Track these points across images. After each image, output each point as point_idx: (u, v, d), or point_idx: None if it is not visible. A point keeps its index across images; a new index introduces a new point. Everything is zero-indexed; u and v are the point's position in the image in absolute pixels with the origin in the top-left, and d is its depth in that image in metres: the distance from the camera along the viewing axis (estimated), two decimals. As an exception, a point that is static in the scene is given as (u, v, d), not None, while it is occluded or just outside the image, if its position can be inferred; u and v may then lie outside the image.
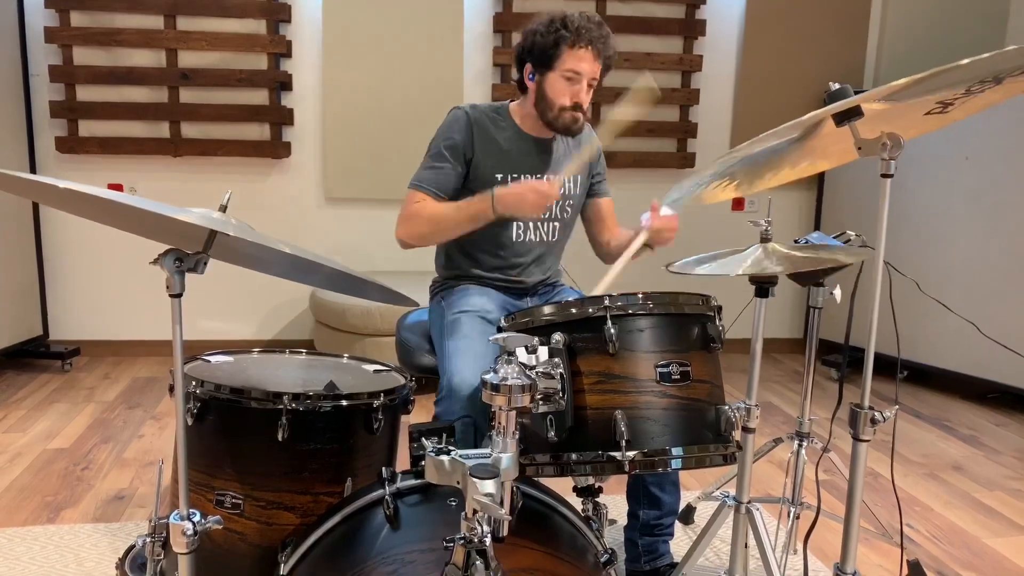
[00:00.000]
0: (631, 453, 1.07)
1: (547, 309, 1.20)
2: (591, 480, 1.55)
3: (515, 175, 1.96)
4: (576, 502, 1.47)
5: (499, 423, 1.04)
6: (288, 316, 4.07)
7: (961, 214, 3.58)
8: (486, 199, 1.84)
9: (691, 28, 4.03)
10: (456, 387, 1.65)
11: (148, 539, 1.29)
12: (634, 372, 1.10)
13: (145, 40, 3.69)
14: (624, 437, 1.06)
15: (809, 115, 1.21)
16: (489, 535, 0.99)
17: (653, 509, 1.93)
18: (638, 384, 1.10)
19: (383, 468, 1.33)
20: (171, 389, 1.58)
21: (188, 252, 1.10)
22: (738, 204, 4.33)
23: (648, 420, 1.09)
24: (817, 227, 4.30)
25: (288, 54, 3.81)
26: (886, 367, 3.78)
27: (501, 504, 0.97)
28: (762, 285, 1.74)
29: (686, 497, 2.28)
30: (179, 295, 1.09)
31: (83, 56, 3.70)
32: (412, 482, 1.32)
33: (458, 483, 1.02)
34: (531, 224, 2.01)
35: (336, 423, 1.50)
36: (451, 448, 1.04)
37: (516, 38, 3.95)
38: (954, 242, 3.60)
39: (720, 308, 1.21)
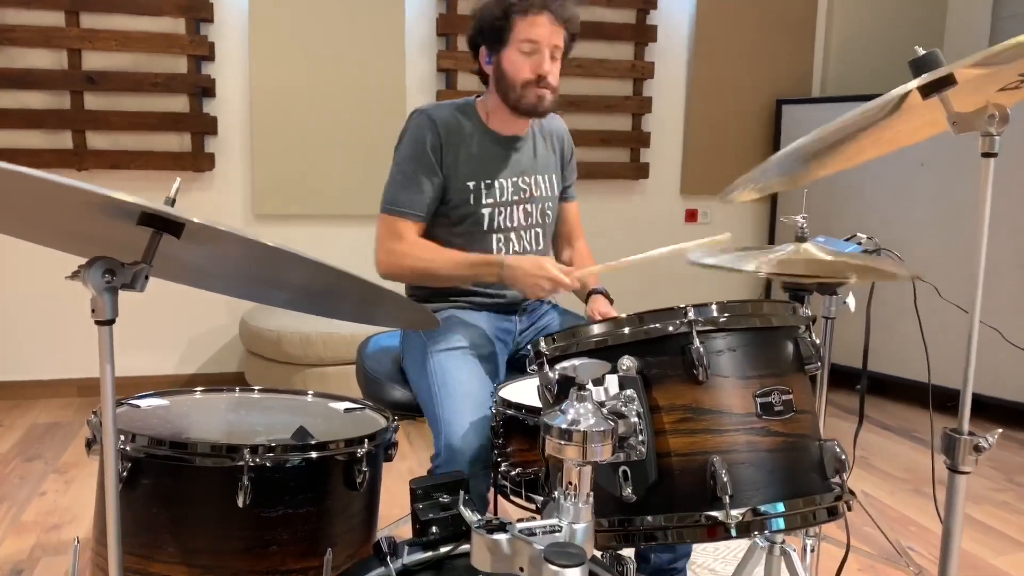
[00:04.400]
0: (737, 512, 0.82)
1: (598, 328, 0.94)
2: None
3: (488, 181, 1.73)
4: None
5: (569, 482, 0.77)
6: (214, 345, 3.65)
7: (918, 219, 3.55)
8: (493, 267, 1.61)
9: (642, 34, 3.88)
10: (459, 449, 1.38)
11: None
12: (729, 405, 0.85)
13: (43, 39, 3.25)
14: (727, 491, 0.81)
15: (901, 88, 1.01)
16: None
17: (666, 552, 1.69)
18: (735, 420, 0.85)
19: (381, 539, 1.04)
20: (89, 444, 1.24)
21: (122, 262, 0.79)
22: (691, 216, 4.20)
23: (749, 466, 0.84)
24: (771, 239, 4.21)
25: (211, 56, 3.43)
26: (844, 379, 3.70)
27: (588, 598, 0.69)
28: (797, 292, 1.55)
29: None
30: (110, 322, 0.78)
31: (-33, 56, 3.23)
32: (420, 555, 1.03)
33: (521, 570, 0.74)
34: (512, 236, 1.78)
35: (311, 480, 1.19)
36: (506, 521, 0.76)
37: (462, 42, 3.71)
38: (912, 247, 3.56)
39: (813, 320, 0.98)
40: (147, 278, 0.81)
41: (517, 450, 1.35)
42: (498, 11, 1.62)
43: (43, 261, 3.39)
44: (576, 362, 0.75)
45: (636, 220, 4.06)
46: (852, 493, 0.92)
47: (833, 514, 0.89)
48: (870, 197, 3.69)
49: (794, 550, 1.57)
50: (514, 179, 1.76)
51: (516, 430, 1.35)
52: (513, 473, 1.29)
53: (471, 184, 1.71)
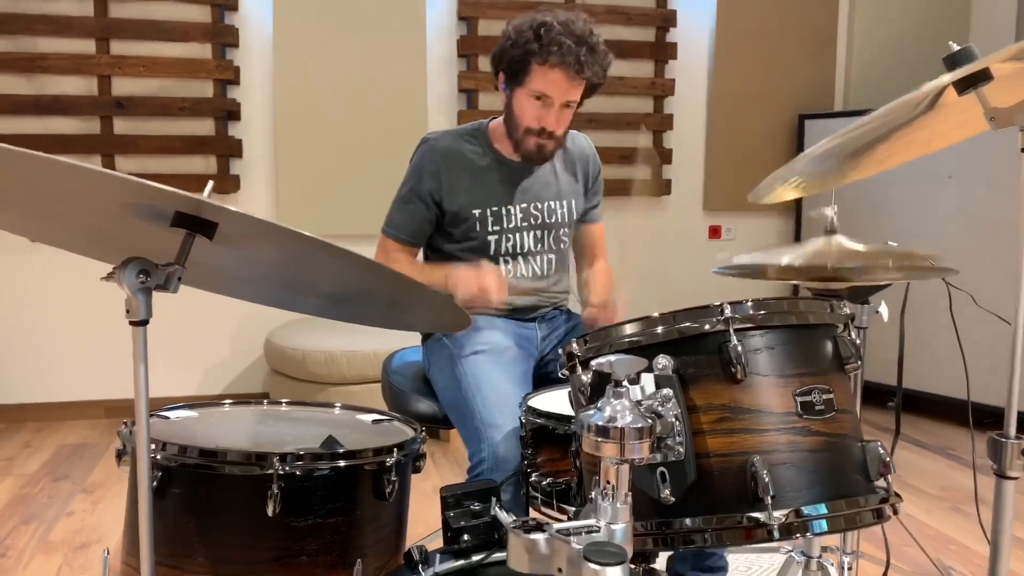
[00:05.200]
0: (780, 513, 0.79)
1: (630, 328, 0.93)
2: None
3: (495, 208, 1.72)
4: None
5: (608, 481, 0.75)
6: (239, 365, 3.67)
7: (947, 231, 3.50)
8: (444, 269, 1.64)
9: (662, 51, 3.90)
10: (503, 457, 1.36)
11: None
12: (768, 404, 0.83)
13: (74, 66, 3.32)
14: (769, 491, 0.79)
15: (935, 81, 1.00)
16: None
17: (704, 572, 1.65)
18: (775, 419, 0.83)
19: (412, 548, 1.02)
20: (119, 455, 1.24)
21: (156, 263, 0.79)
22: (714, 232, 4.17)
23: (791, 466, 0.82)
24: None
25: (236, 81, 3.49)
26: (877, 396, 3.63)
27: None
28: (827, 299, 1.51)
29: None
30: (144, 322, 0.78)
31: (1, 84, 3.30)
32: (452, 564, 1.01)
33: (560, 570, 0.72)
34: (520, 260, 1.77)
35: (340, 489, 1.18)
36: (542, 522, 0.74)
37: (483, 63, 3.75)
38: (940, 259, 3.50)
39: (852, 317, 0.96)
40: (180, 280, 0.81)
41: (547, 460, 1.33)
42: (518, 52, 1.58)
43: (70, 285, 3.44)
44: (612, 358, 0.74)
45: (659, 237, 4.04)
46: (899, 496, 0.89)
47: (879, 516, 0.87)
48: (897, 210, 3.64)
49: (832, 565, 1.53)
50: (524, 205, 1.74)
51: (546, 440, 1.33)
52: (544, 483, 1.27)
53: (476, 212, 1.70)
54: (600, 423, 0.73)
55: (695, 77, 4.02)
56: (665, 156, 3.97)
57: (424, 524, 2.27)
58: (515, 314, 1.78)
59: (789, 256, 1.44)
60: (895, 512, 0.87)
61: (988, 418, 3.57)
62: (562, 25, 1.57)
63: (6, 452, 3.14)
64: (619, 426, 0.73)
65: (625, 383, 0.77)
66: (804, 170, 1.27)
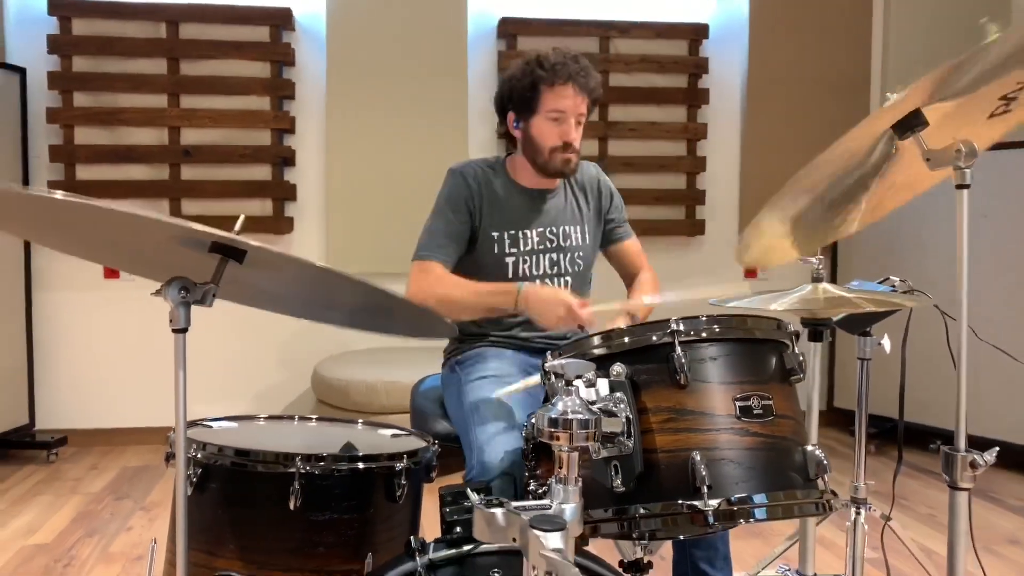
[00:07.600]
0: (714, 501, 0.91)
1: (597, 339, 1.06)
2: (639, 552, 1.37)
3: (513, 232, 1.85)
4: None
5: (559, 467, 0.88)
6: (289, 396, 3.88)
7: (983, 272, 3.48)
8: (510, 295, 1.68)
9: (694, 97, 4.04)
10: (488, 464, 1.49)
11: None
12: (710, 406, 0.95)
13: (148, 119, 3.66)
14: (705, 482, 0.90)
15: (861, 125, 1.11)
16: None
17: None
18: (716, 420, 0.94)
19: (411, 537, 1.16)
20: (168, 458, 1.41)
21: (195, 282, 0.97)
22: (750, 273, 4.23)
23: (730, 462, 0.93)
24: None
25: (291, 130, 3.78)
26: (916, 436, 3.59)
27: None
28: (816, 327, 1.61)
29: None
30: (184, 330, 0.95)
31: (84, 136, 3.66)
32: (446, 552, 1.14)
33: (514, 540, 0.85)
34: (537, 284, 1.85)
35: (354, 489, 1.32)
36: (502, 500, 0.88)
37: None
38: (979, 301, 3.48)
39: (797, 335, 1.07)
40: (214, 296, 0.98)
41: (546, 471, 1.45)
42: (527, 82, 1.74)
43: (137, 320, 3.73)
44: (563, 360, 0.88)
45: (694, 277, 4.13)
46: (834, 494, 0.99)
47: (819, 509, 0.96)
48: (928, 250, 3.65)
49: (826, 583, 1.59)
50: (540, 229, 1.86)
51: (545, 452, 1.45)
52: (540, 492, 1.39)
53: (495, 234, 1.83)
54: (553, 416, 0.86)
55: (728, 121, 4.13)
56: (698, 197, 4.08)
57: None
58: (527, 349, 1.89)
59: (777, 304, 1.54)
60: (830, 508, 0.97)
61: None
62: (556, 53, 1.76)
63: (75, 473, 3.40)
64: (569, 418, 0.86)
65: (577, 383, 0.90)
66: (790, 233, 1.38)
